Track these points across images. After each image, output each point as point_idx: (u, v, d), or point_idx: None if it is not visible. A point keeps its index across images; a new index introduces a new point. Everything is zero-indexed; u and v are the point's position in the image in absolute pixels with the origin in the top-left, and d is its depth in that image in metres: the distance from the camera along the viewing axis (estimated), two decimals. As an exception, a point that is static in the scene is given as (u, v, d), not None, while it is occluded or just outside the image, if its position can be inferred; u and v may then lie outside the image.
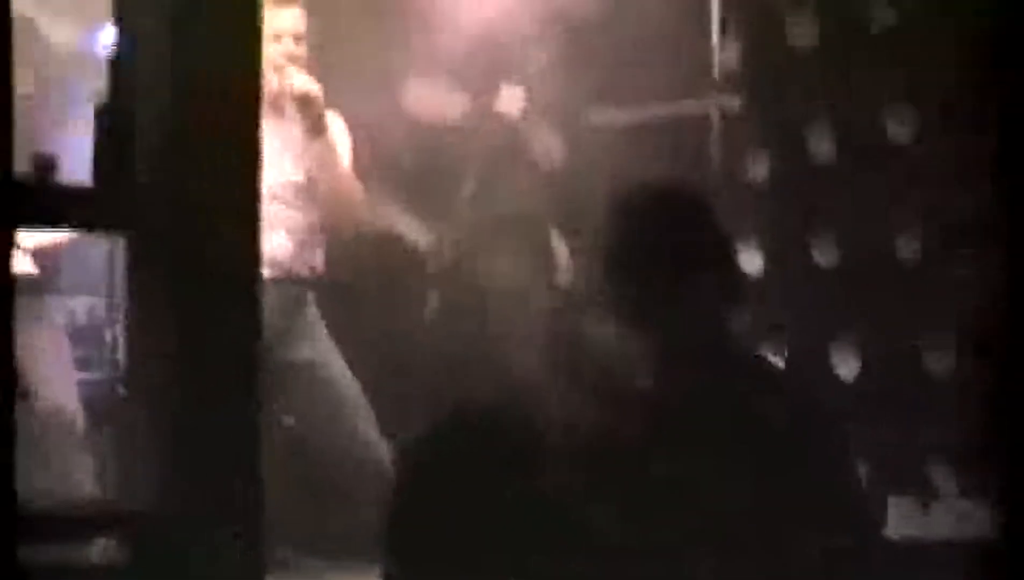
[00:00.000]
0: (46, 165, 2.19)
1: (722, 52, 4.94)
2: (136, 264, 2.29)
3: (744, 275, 4.34)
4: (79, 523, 2.26)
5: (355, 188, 4.57)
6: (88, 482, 4.23)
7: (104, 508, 2.31)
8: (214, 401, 2.25)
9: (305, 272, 4.54)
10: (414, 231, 5.12)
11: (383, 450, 4.33)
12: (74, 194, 2.22)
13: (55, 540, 2.20)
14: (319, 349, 4.54)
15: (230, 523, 2.20)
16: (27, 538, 2.08)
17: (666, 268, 2.64)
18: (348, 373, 4.53)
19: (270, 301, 4.50)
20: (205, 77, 2.22)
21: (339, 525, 4.19)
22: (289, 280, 4.48)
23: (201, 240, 2.23)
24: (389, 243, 5.08)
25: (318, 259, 4.58)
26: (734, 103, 4.92)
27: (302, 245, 4.53)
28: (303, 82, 4.41)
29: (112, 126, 2.22)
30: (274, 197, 4.40)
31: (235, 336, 2.28)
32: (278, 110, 4.45)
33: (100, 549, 2.34)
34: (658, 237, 2.68)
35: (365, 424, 4.43)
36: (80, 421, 4.38)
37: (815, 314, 4.79)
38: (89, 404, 4.44)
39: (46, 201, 2.18)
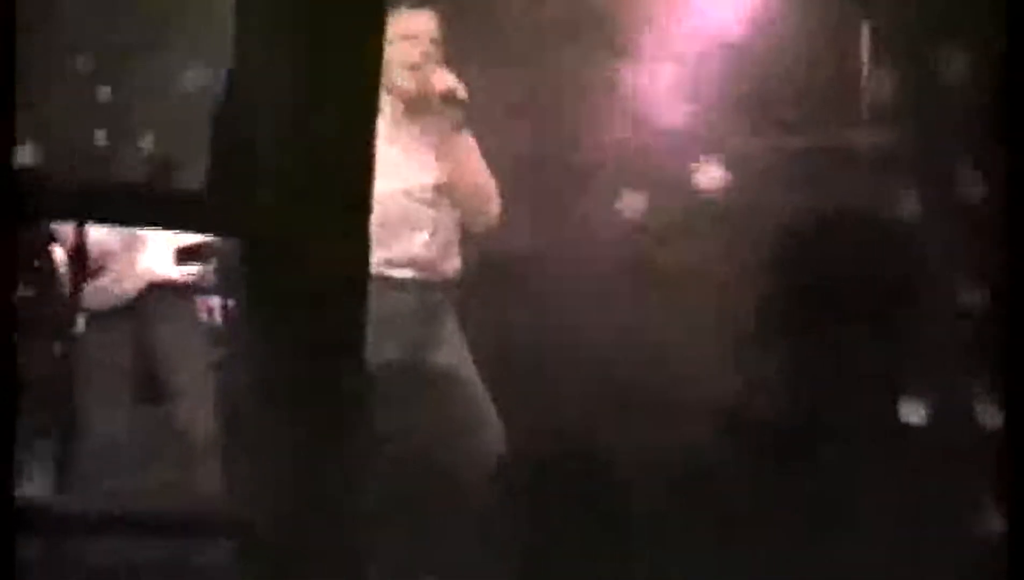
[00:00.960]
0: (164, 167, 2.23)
1: (872, 83, 4.89)
2: (248, 268, 2.32)
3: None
4: (193, 524, 2.28)
5: (492, 186, 4.59)
6: (209, 484, 4.31)
7: (217, 511, 2.32)
8: (322, 411, 2.27)
9: (448, 273, 4.58)
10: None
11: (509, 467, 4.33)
12: (188, 197, 2.26)
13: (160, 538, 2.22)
14: (458, 355, 4.56)
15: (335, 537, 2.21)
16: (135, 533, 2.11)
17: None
18: (479, 382, 4.55)
19: (414, 302, 4.60)
20: (322, 83, 2.24)
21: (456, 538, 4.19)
22: (431, 282, 4.53)
23: (311, 245, 2.25)
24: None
25: (456, 261, 4.61)
26: (883, 136, 4.86)
27: (444, 246, 4.56)
28: (448, 80, 4.45)
29: (227, 131, 2.24)
30: (413, 197, 4.45)
31: (346, 341, 2.29)
32: (417, 111, 4.50)
33: (208, 552, 2.36)
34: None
35: (494, 438, 4.44)
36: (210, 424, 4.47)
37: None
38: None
39: (161, 203, 2.21)
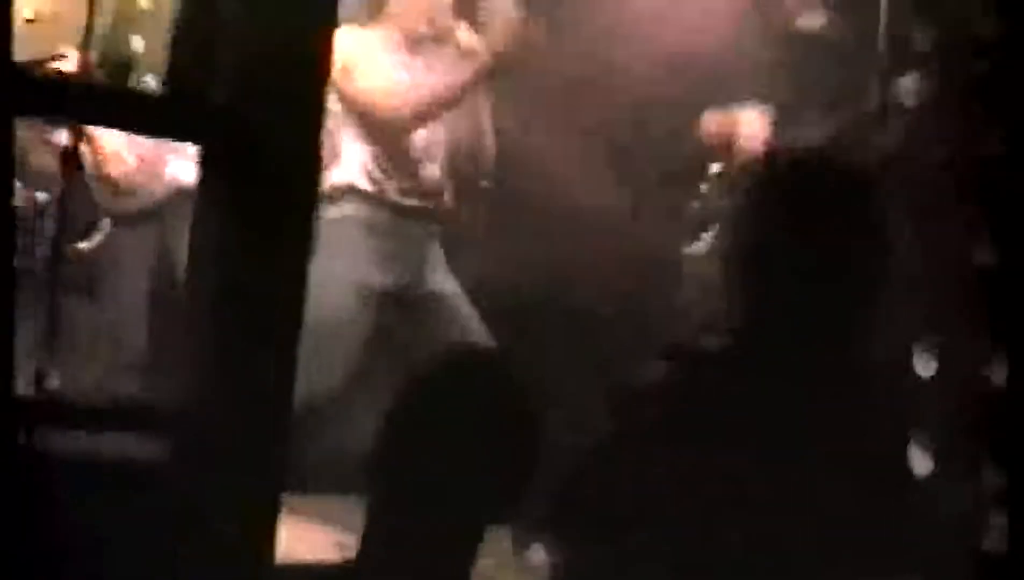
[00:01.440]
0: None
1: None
2: (203, 175, 2.36)
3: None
4: (117, 416, 2.33)
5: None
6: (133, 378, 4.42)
7: (142, 404, 2.38)
8: (263, 313, 2.31)
9: (448, 205, 4.67)
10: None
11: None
12: (148, 100, 2.30)
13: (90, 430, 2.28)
14: (449, 283, 4.65)
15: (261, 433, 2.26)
16: (58, 424, 2.17)
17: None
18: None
19: (418, 229, 4.68)
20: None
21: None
22: (433, 212, 4.63)
23: (266, 157, 2.28)
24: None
25: (451, 194, 4.69)
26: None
27: (447, 179, 4.65)
28: (471, 38, 4.56)
29: (188, 39, 2.29)
30: (423, 118, 4.55)
31: (291, 255, 2.33)
32: (440, 40, 4.59)
33: (133, 443, 2.41)
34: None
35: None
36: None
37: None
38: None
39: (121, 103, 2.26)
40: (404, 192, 4.62)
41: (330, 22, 2.30)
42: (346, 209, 4.58)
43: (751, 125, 4.81)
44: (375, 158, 4.63)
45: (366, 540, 2.18)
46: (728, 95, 4.97)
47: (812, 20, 4.99)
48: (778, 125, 4.81)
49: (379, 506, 2.19)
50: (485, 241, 5.04)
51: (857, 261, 2.56)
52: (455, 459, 2.14)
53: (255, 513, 2.23)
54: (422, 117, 4.56)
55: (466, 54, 4.62)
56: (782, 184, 2.57)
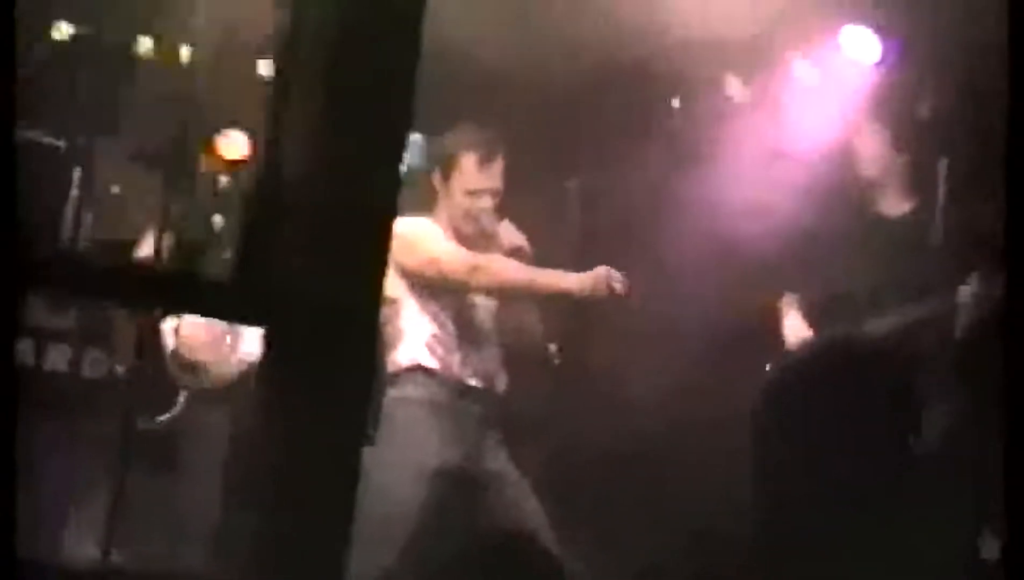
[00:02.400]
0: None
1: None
2: (266, 357, 2.46)
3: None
4: None
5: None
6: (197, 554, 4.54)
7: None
8: (322, 493, 2.40)
9: (500, 388, 4.78)
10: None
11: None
12: (214, 284, 2.42)
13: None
14: (505, 463, 4.73)
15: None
16: None
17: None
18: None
19: (477, 410, 4.79)
20: (346, 186, 2.39)
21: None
22: (489, 394, 4.74)
23: (326, 341, 2.38)
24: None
25: (504, 378, 4.81)
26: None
27: (501, 362, 4.79)
28: (515, 236, 4.72)
29: (257, 222, 2.40)
30: (486, 310, 4.70)
31: (348, 436, 2.42)
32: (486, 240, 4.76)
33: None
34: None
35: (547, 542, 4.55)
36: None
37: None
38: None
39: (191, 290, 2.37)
40: (466, 368, 4.74)
41: (391, 209, 2.42)
42: (409, 389, 4.71)
43: (793, 320, 4.93)
44: (440, 331, 4.77)
45: None
46: (793, 283, 5.05)
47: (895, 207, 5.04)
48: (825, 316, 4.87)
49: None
50: (542, 422, 5.12)
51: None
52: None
53: None
54: (490, 278, 4.74)
55: (511, 252, 4.81)
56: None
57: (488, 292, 4.81)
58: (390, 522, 4.40)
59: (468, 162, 4.83)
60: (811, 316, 4.94)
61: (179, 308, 2.92)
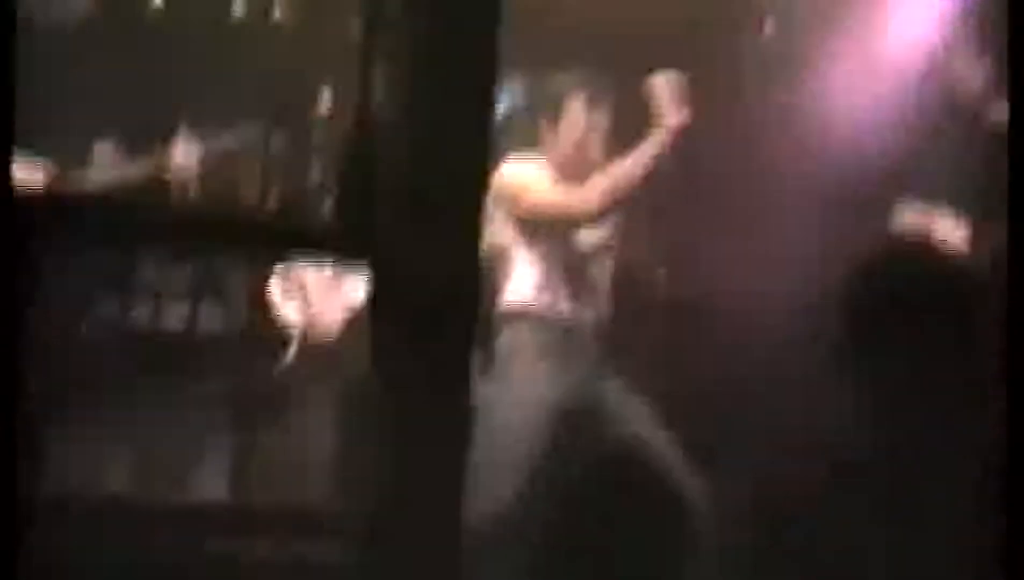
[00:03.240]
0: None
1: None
2: (375, 295, 2.53)
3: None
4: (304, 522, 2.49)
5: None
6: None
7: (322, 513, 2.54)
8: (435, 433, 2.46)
9: (605, 326, 4.83)
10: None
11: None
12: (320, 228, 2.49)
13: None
14: (624, 394, 4.78)
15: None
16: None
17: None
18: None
19: (575, 347, 4.84)
20: (441, 135, 2.45)
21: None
22: (591, 332, 4.80)
23: (430, 277, 2.45)
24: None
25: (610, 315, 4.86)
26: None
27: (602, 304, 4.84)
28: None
29: (356, 171, 2.47)
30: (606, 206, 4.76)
31: (456, 377, 2.49)
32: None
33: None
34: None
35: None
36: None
37: None
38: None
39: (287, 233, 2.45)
40: (575, 309, 4.80)
41: (484, 151, 2.47)
42: (518, 331, 4.76)
43: (947, 232, 4.88)
44: (547, 274, 4.81)
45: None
46: (920, 194, 5.01)
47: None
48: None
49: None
50: (653, 353, 5.15)
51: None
52: (610, 553, 2.26)
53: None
54: (606, 205, 4.75)
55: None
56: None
57: (602, 214, 4.83)
58: (507, 457, 4.47)
59: (576, 104, 4.84)
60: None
61: (289, 253, 2.99)
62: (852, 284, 2.77)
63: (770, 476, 2.89)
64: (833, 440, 2.90)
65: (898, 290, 2.72)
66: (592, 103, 4.85)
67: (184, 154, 4.83)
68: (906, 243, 3.07)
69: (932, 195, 4.95)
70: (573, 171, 4.83)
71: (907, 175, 5.04)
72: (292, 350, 5.27)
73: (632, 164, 4.72)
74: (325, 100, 5.15)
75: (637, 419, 4.70)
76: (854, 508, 2.72)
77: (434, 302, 2.43)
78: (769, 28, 5.77)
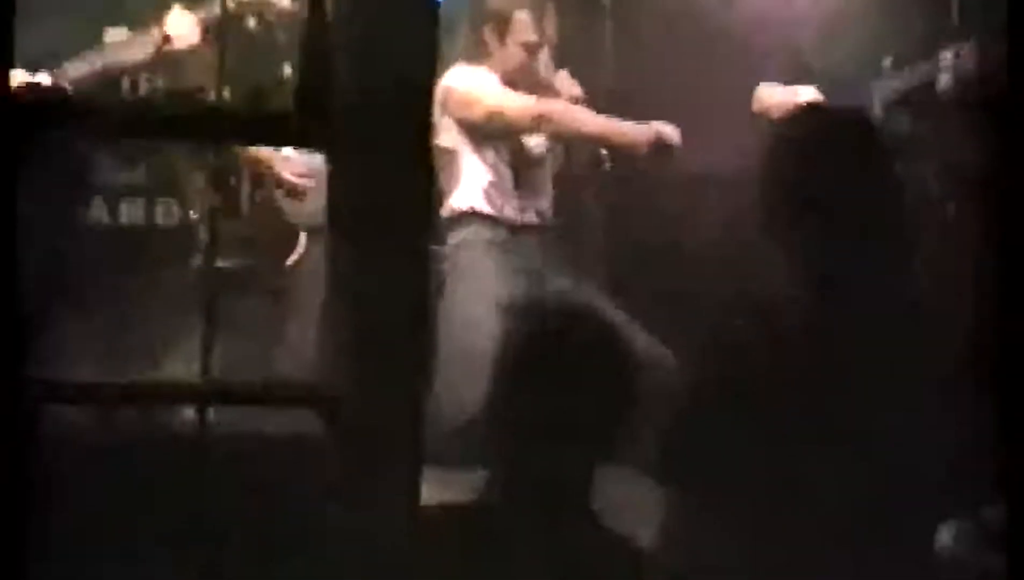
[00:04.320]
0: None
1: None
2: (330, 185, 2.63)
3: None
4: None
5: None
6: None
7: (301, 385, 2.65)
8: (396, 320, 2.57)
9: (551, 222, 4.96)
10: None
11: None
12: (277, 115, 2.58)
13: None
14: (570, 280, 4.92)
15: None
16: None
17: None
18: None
19: (522, 243, 4.96)
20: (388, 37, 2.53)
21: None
22: (537, 229, 4.92)
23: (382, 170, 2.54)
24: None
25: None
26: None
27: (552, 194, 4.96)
28: (573, 87, 4.86)
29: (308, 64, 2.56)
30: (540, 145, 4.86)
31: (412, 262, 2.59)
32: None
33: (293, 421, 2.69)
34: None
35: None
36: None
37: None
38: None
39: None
40: (523, 211, 4.93)
41: (431, 52, 2.55)
42: (466, 232, 4.91)
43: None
44: (495, 178, 4.93)
45: (492, 485, 2.45)
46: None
47: None
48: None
49: (500, 452, 2.46)
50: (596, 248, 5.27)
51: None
52: (562, 406, 2.40)
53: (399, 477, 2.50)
54: (538, 124, 4.85)
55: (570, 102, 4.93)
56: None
57: (555, 138, 4.94)
58: (469, 355, 4.63)
59: (521, 16, 4.92)
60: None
61: (247, 141, 3.09)
62: (778, 151, 2.90)
63: (719, 340, 3.02)
64: (776, 304, 3.03)
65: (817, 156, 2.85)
66: (537, 15, 4.94)
67: (184, 25, 4.85)
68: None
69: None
70: (518, 86, 4.95)
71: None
72: (302, 241, 5.37)
73: (588, 121, 4.84)
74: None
75: (584, 295, 4.86)
76: (801, 370, 2.85)
77: (388, 200, 2.52)
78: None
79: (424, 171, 2.54)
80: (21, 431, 2.48)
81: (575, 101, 4.97)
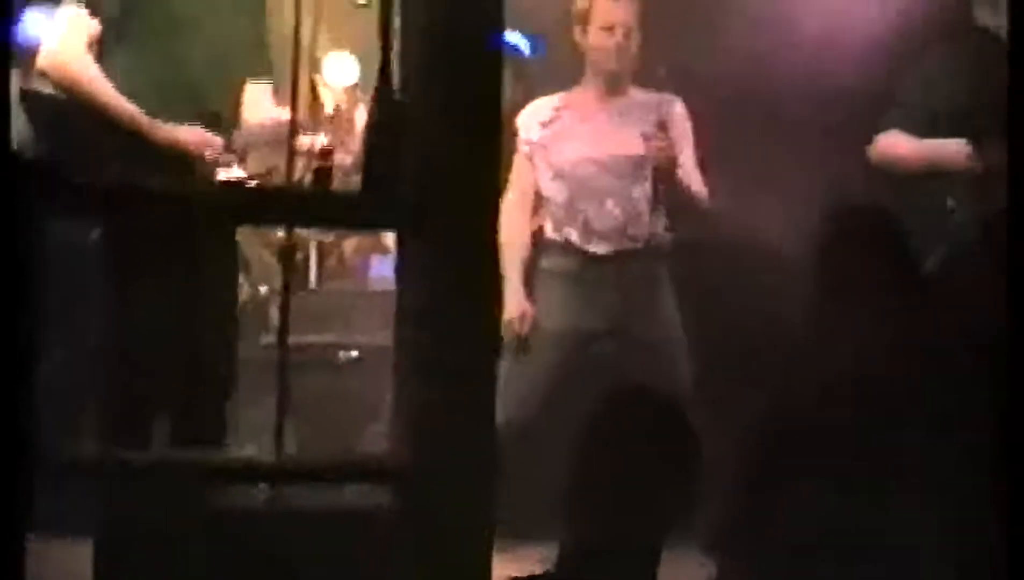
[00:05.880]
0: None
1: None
2: (402, 257, 2.67)
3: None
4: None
5: (692, 180, 4.94)
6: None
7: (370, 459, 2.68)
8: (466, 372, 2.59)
9: (639, 244, 4.94)
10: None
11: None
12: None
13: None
14: (662, 328, 4.91)
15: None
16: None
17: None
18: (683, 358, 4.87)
19: (610, 273, 4.95)
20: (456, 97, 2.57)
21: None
22: (624, 252, 4.91)
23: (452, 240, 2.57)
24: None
25: (646, 229, 4.95)
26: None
27: (634, 216, 4.93)
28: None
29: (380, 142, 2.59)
30: (604, 167, 4.85)
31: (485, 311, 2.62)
32: (619, 92, 4.88)
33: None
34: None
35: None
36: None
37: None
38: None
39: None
40: (587, 234, 4.93)
41: (496, 97, 2.58)
42: (544, 261, 4.96)
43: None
44: (559, 198, 4.97)
45: (562, 559, 2.46)
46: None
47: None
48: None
49: (570, 528, 2.47)
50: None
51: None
52: (632, 478, 2.42)
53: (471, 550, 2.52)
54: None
55: None
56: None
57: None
58: (530, 385, 4.69)
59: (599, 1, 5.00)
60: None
61: (315, 222, 3.13)
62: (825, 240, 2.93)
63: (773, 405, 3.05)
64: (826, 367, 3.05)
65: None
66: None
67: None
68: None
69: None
70: (605, 71, 4.97)
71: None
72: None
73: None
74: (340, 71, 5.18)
75: (664, 359, 4.84)
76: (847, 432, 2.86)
77: (455, 281, 2.55)
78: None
79: (489, 252, 2.58)
80: (98, 504, 2.52)
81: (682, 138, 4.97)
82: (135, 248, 4.03)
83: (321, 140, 4.09)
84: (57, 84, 4.17)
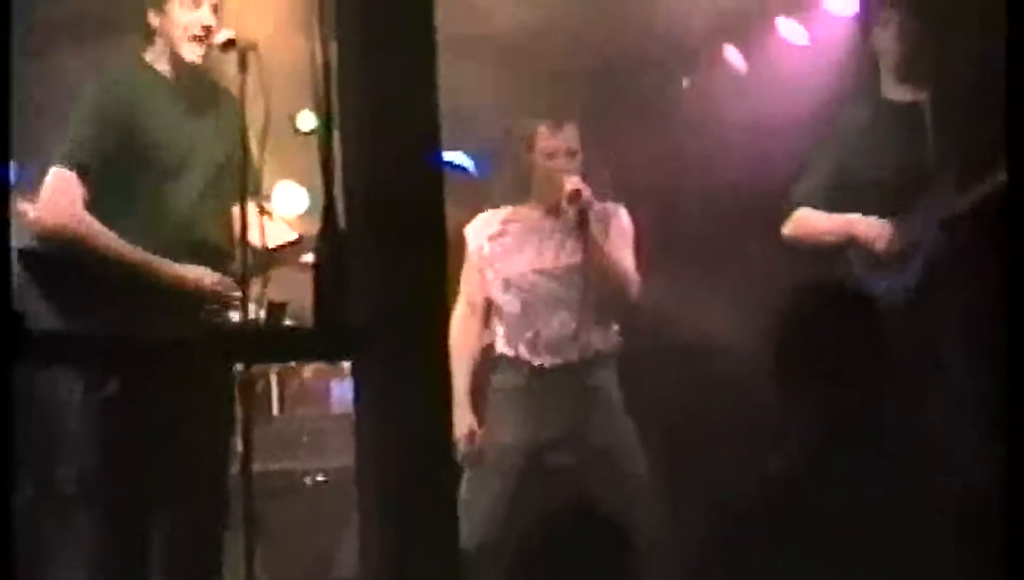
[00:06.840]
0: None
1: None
2: (357, 383, 2.75)
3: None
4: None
5: (624, 271, 5.01)
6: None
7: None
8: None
9: (588, 354, 5.00)
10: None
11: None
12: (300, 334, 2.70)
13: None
14: (615, 433, 4.97)
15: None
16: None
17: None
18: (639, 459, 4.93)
19: (564, 384, 5.02)
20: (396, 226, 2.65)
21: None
22: (574, 364, 4.97)
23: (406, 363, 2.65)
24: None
25: (596, 339, 5.02)
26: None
27: (583, 325, 5.00)
28: (574, 182, 4.94)
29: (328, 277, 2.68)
30: (552, 277, 4.94)
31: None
32: (555, 212, 4.99)
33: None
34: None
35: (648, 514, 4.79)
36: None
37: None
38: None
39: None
40: (536, 349, 4.99)
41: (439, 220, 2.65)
42: (497, 378, 5.02)
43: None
44: (509, 314, 5.04)
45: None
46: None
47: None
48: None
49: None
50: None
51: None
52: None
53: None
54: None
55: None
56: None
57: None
58: (490, 499, 4.74)
59: (541, 130, 5.11)
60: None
61: (272, 358, 3.18)
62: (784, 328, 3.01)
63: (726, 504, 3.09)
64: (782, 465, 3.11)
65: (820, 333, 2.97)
66: (554, 128, 5.10)
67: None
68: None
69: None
70: (548, 198, 5.07)
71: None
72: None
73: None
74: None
75: (618, 471, 4.89)
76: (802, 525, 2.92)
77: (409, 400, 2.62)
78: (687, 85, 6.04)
79: (441, 372, 2.65)
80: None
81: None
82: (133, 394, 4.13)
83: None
84: (63, 244, 4.27)
